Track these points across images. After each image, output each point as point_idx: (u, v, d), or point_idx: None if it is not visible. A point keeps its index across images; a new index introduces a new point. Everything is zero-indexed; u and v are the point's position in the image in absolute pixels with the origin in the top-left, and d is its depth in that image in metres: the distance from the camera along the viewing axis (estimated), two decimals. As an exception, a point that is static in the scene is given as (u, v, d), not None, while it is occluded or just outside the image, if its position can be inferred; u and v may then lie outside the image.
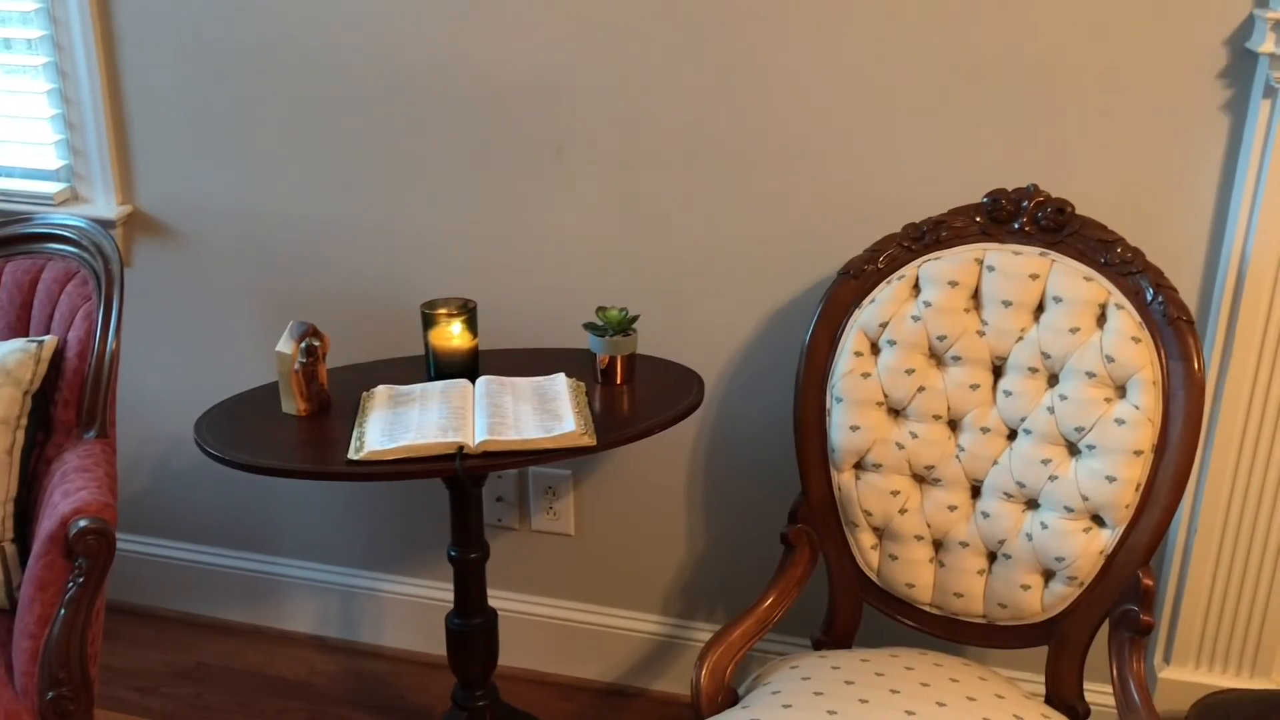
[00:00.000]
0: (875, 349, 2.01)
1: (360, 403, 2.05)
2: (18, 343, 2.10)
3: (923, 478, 2.01)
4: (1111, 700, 1.87)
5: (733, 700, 1.86)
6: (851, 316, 2.02)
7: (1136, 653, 1.82)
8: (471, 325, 2.15)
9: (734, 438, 2.43)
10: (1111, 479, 1.85)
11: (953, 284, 1.96)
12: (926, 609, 2.04)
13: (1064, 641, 1.94)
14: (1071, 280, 1.90)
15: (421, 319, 2.14)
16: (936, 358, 1.99)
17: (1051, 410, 1.90)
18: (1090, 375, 1.87)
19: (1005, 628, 2.00)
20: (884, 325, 1.99)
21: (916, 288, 1.99)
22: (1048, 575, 1.94)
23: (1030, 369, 1.93)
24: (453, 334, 2.13)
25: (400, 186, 2.42)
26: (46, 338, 2.13)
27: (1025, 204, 1.95)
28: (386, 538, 2.73)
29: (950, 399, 1.98)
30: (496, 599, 2.41)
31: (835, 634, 2.09)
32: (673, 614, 2.60)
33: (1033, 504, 1.94)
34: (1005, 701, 1.79)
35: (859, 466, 2.03)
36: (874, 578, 2.06)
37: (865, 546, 2.05)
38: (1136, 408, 1.84)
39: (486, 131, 2.34)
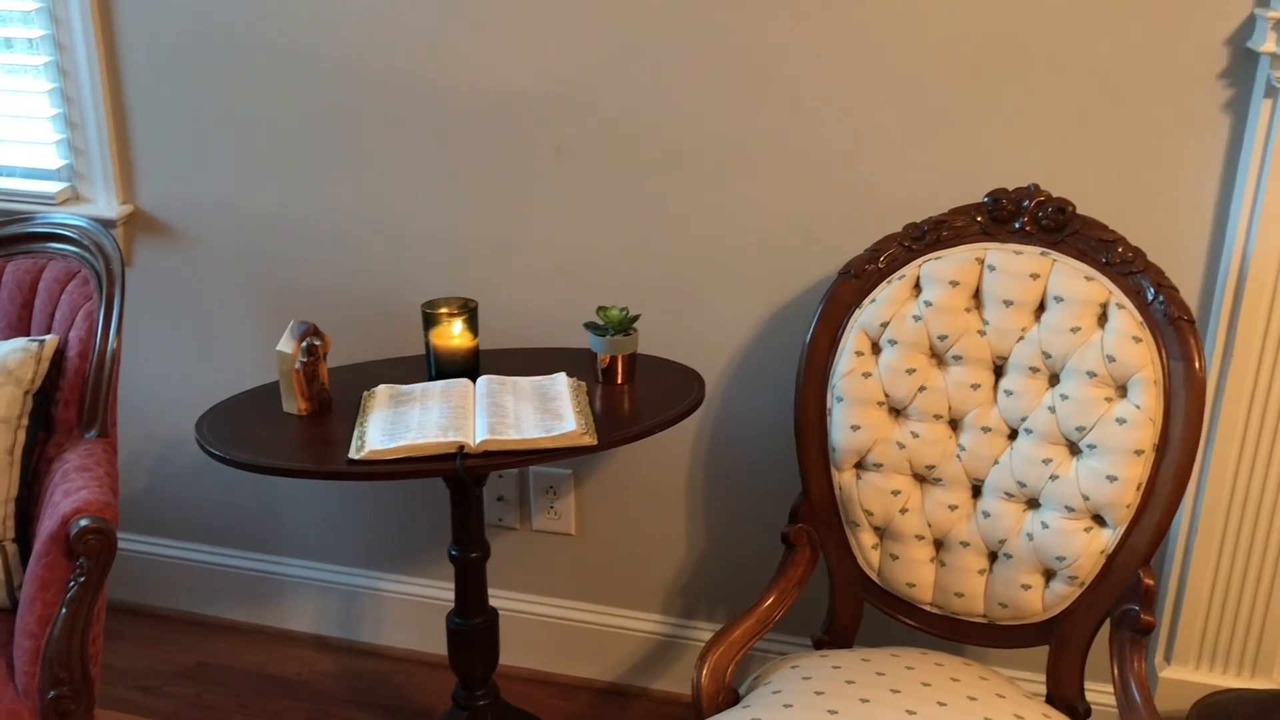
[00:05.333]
0: (876, 348, 2.01)
1: (361, 402, 2.05)
2: (19, 342, 2.10)
3: (923, 477, 2.01)
4: (1112, 700, 1.87)
5: (733, 700, 1.86)
6: (852, 316, 2.02)
7: (1137, 652, 1.82)
8: (472, 325, 2.15)
9: (734, 437, 2.43)
10: (1112, 478, 1.85)
11: (954, 283, 1.96)
12: (927, 608, 2.04)
13: (1065, 641, 1.94)
14: (1072, 280, 1.90)
15: (422, 318, 2.14)
16: (937, 357, 1.99)
17: (1052, 410, 1.90)
18: (1091, 375, 1.87)
19: (1006, 627, 2.00)
20: (885, 325, 1.99)
21: (917, 287, 1.99)
22: (1048, 575, 1.94)
23: (1031, 368, 1.93)
24: (453, 333, 2.13)
25: (401, 186, 2.42)
26: (47, 337, 2.13)
27: (1026, 203, 1.94)
28: (387, 537, 2.73)
29: (951, 398, 1.98)
30: (497, 598, 2.41)
31: (836, 633, 2.09)
32: (673, 613, 2.60)
33: (1033, 503, 1.94)
34: (1006, 701, 1.79)
35: (860, 466, 2.03)
36: (874, 577, 2.06)
37: (866, 546, 2.05)
38: (1137, 407, 1.84)
39: (487, 132, 2.34)
